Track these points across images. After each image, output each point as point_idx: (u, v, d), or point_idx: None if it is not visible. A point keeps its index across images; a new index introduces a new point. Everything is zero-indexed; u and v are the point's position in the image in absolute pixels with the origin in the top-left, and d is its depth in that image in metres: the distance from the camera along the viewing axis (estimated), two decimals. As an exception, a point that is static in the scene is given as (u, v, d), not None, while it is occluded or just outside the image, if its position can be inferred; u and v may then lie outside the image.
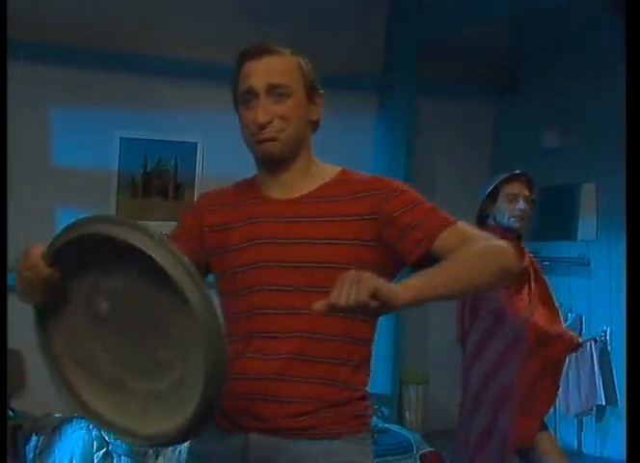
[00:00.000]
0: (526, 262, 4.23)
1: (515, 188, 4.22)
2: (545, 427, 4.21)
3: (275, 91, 2.05)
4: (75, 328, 1.88)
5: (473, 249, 1.96)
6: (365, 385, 2.18)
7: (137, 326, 1.81)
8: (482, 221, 4.31)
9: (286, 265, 2.03)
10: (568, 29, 7.04)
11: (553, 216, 6.67)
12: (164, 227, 2.28)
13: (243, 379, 2.01)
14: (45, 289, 1.82)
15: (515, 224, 4.22)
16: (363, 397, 2.15)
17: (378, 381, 6.89)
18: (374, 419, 5.92)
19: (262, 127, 2.04)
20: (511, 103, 7.57)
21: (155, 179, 6.23)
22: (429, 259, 1.99)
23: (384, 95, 7.18)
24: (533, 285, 4.23)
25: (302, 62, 2.13)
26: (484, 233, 2.11)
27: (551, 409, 4.26)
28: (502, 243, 2.01)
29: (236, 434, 2.04)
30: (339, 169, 2.20)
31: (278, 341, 2.00)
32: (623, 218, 6.56)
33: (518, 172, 4.30)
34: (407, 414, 7.06)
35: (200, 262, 2.09)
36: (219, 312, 1.72)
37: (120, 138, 6.10)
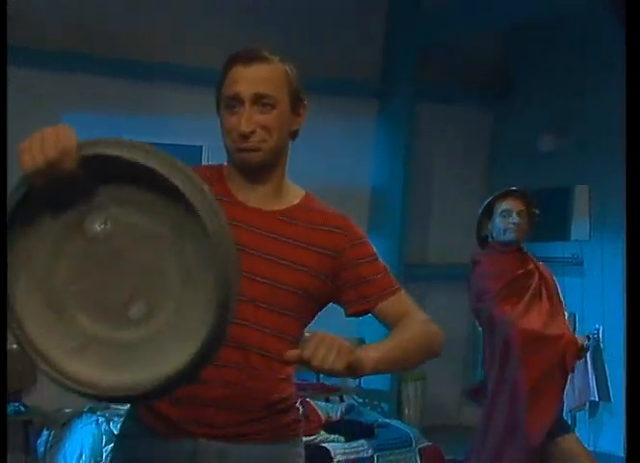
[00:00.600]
0: (530, 269, 4.27)
1: (507, 204, 4.26)
2: (568, 429, 4.22)
3: (261, 100, 1.97)
4: (43, 258, 1.64)
5: (417, 330, 2.05)
6: (295, 394, 2.18)
7: (122, 267, 1.63)
8: (482, 240, 4.35)
9: (250, 277, 1.94)
10: (563, 36, 7.05)
11: (547, 217, 6.65)
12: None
13: (194, 385, 1.87)
14: (50, 177, 1.58)
15: (510, 237, 4.24)
16: (294, 405, 2.16)
17: (377, 378, 6.88)
18: (374, 414, 5.92)
19: (245, 137, 1.97)
20: (507, 108, 7.57)
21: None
22: (363, 315, 2.12)
23: (383, 100, 7.18)
24: (536, 292, 4.25)
25: (289, 70, 2.04)
26: (418, 309, 2.14)
27: (559, 407, 4.25)
28: (435, 327, 2.09)
29: (183, 440, 1.98)
30: (304, 192, 2.15)
31: (229, 350, 1.88)
32: (615, 219, 6.61)
33: (510, 188, 4.33)
34: (405, 409, 7.05)
35: None
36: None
37: (129, 142, 6.11)
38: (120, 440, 2.21)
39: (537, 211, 4.36)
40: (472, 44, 7.29)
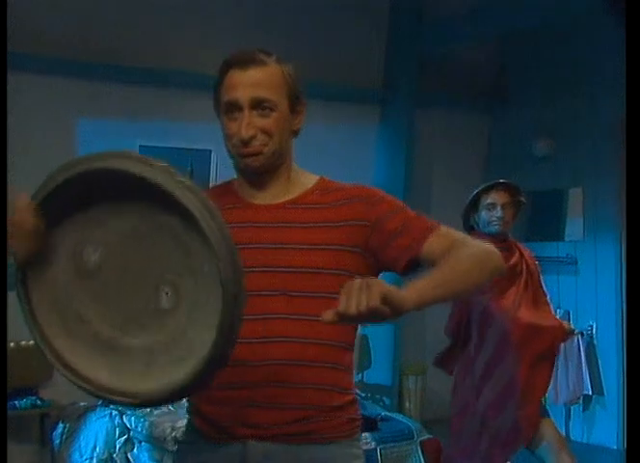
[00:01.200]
0: (516, 260, 4.23)
1: (492, 197, 4.20)
2: (545, 413, 4.20)
3: (259, 105, 1.89)
4: (59, 284, 1.66)
5: (464, 253, 1.86)
6: (353, 388, 2.04)
7: (130, 277, 1.63)
8: (469, 229, 4.32)
9: (272, 270, 1.89)
10: (557, 47, 7.06)
11: (543, 218, 6.68)
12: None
13: (233, 388, 1.87)
14: (30, 243, 1.63)
15: (494, 229, 4.19)
16: (354, 401, 2.01)
17: (380, 373, 6.91)
18: (377, 408, 5.92)
19: (246, 142, 1.89)
20: (503, 114, 7.58)
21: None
22: (416, 266, 1.93)
23: (385, 107, 7.19)
24: (522, 282, 4.22)
25: (286, 71, 1.95)
26: (467, 237, 1.99)
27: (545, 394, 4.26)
28: (488, 246, 1.91)
29: (232, 443, 1.89)
30: (318, 177, 2.06)
31: (267, 347, 1.84)
32: (607, 220, 6.62)
33: (495, 182, 4.29)
34: (406, 403, 7.06)
35: None
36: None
37: (140, 146, 6.11)
38: (178, 446, 2.18)
39: (523, 200, 4.30)
40: (470, 55, 7.31)
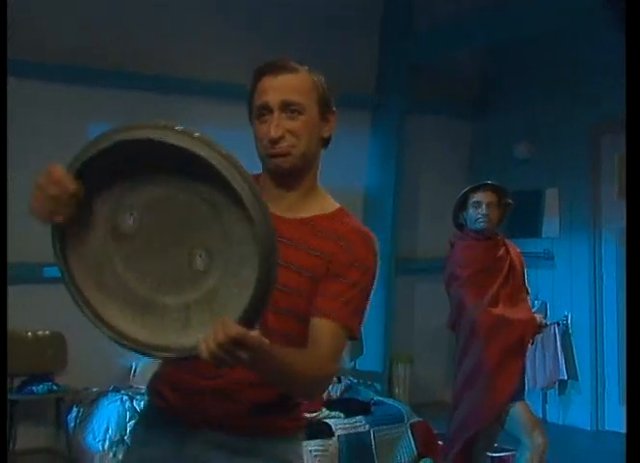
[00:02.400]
0: (500, 255, 4.23)
1: (478, 196, 4.20)
2: (521, 396, 4.19)
3: (288, 107, 1.85)
4: (96, 248, 1.63)
5: (312, 357, 1.76)
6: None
7: (164, 240, 1.60)
8: (459, 227, 4.33)
9: None
10: (536, 56, 7.07)
11: (522, 217, 6.68)
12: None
13: (201, 377, 1.82)
14: (70, 207, 1.58)
15: (480, 226, 4.19)
16: (299, 404, 1.97)
17: (371, 360, 6.92)
18: (370, 393, 5.93)
19: (275, 142, 1.84)
20: (486, 120, 7.59)
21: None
22: None
23: (377, 112, 7.19)
24: (502, 277, 4.20)
25: (317, 80, 1.94)
26: (331, 351, 1.82)
27: (516, 386, 4.14)
28: (329, 372, 1.82)
29: (185, 428, 1.87)
30: (339, 206, 1.98)
31: None
32: (582, 218, 6.64)
33: (483, 183, 4.29)
34: (396, 389, 7.07)
35: None
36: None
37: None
38: (135, 421, 2.16)
39: (510, 201, 4.29)
40: (455, 64, 7.32)
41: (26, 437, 5.56)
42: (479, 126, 7.65)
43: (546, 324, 4.37)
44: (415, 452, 5.22)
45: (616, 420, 6.36)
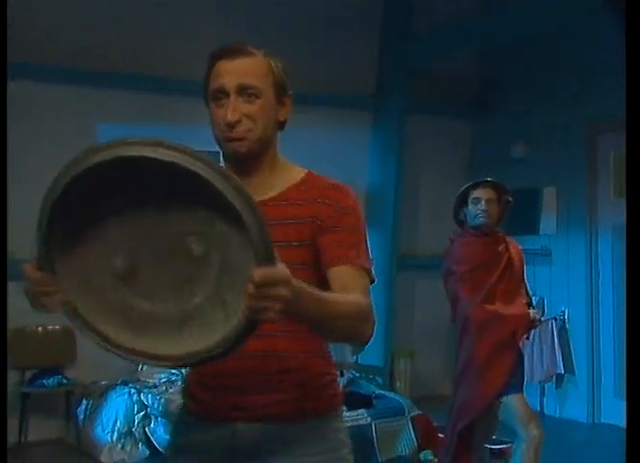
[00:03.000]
0: (499, 252, 4.19)
1: (478, 193, 4.17)
2: (518, 389, 4.15)
3: (245, 91, 1.80)
4: (89, 265, 1.55)
5: (355, 304, 1.70)
6: (333, 370, 1.97)
7: (159, 252, 1.52)
8: (460, 223, 4.31)
9: None
10: (533, 59, 7.07)
11: (520, 214, 6.68)
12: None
13: (226, 376, 1.81)
14: (53, 289, 1.53)
15: (479, 222, 4.16)
16: (334, 380, 1.96)
17: (373, 355, 6.91)
18: (371, 386, 5.92)
19: (231, 126, 1.79)
20: (485, 120, 7.58)
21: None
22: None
23: (378, 113, 7.19)
24: (499, 273, 4.16)
25: (273, 64, 1.86)
26: (362, 292, 1.77)
27: (506, 379, 4.08)
28: (370, 315, 1.74)
29: (223, 425, 1.83)
30: (306, 171, 1.94)
31: (259, 341, 1.66)
32: (578, 216, 6.64)
33: (482, 179, 4.25)
34: (397, 382, 7.08)
35: None
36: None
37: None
38: (172, 426, 2.09)
39: (510, 199, 4.26)
40: (455, 65, 7.31)
41: (37, 429, 5.57)
42: (478, 126, 7.64)
43: (541, 320, 4.32)
44: (416, 444, 5.22)
45: (611, 412, 6.37)
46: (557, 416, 6.74)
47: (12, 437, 5.49)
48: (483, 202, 4.14)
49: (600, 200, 6.60)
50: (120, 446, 5.28)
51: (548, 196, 6.92)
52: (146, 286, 1.54)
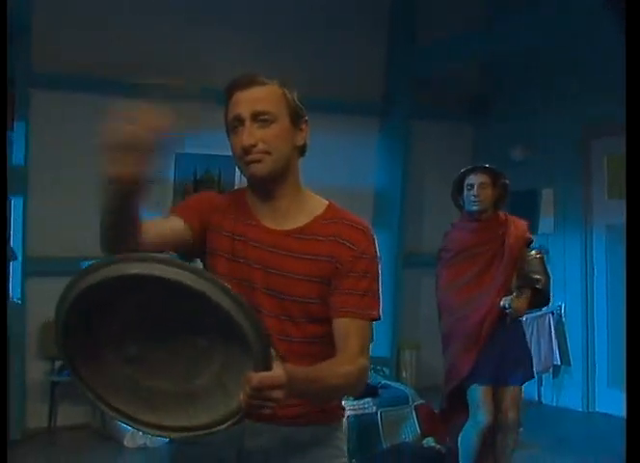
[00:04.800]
0: (484, 240, 4.06)
1: (471, 178, 4.07)
2: (487, 382, 4.04)
3: (259, 117, 1.77)
4: (105, 363, 1.54)
5: (347, 368, 1.70)
6: None
7: (168, 348, 1.51)
8: (459, 208, 4.20)
9: (269, 292, 1.79)
10: (532, 67, 7.05)
11: (519, 215, 6.60)
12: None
13: None
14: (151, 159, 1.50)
15: (473, 207, 4.05)
16: None
17: (380, 346, 6.90)
18: (377, 377, 5.91)
19: (247, 150, 1.77)
20: (486, 126, 7.56)
21: (203, 186, 6.23)
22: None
23: (384, 118, 7.18)
24: (483, 262, 4.04)
25: (286, 92, 1.83)
26: (358, 349, 1.76)
27: (470, 367, 4.01)
28: (364, 373, 1.78)
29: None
30: (327, 203, 1.90)
31: None
32: (575, 216, 6.62)
33: (475, 165, 4.16)
34: (403, 373, 7.07)
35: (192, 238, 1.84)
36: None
37: (175, 153, 6.12)
38: None
39: (507, 182, 4.14)
40: (457, 74, 7.30)
41: (66, 415, 5.60)
42: (479, 131, 7.62)
43: (506, 307, 3.95)
44: (419, 432, 5.20)
45: (605, 401, 6.36)
46: (554, 405, 6.72)
47: (42, 422, 5.54)
48: (476, 187, 4.04)
49: (595, 201, 6.59)
50: (141, 431, 5.29)
51: (546, 197, 6.90)
52: (155, 368, 1.52)
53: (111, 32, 5.90)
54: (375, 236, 1.88)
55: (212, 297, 1.40)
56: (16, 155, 5.51)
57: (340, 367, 1.70)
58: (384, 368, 6.57)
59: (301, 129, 1.86)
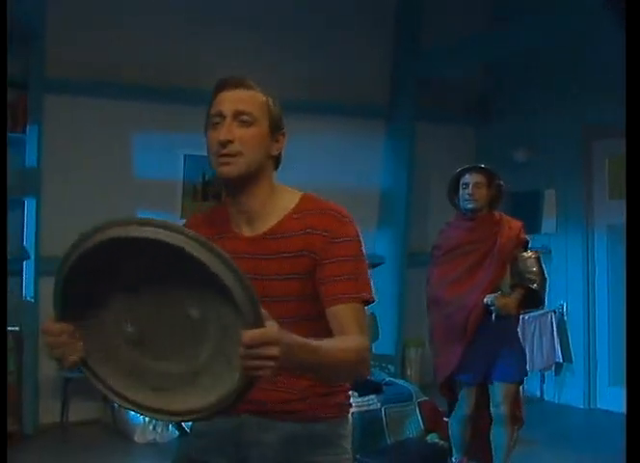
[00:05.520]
0: (475, 238, 4.08)
1: (466, 178, 4.07)
2: (510, 380, 4.06)
3: (240, 116, 1.77)
4: (108, 346, 1.54)
5: (350, 346, 1.66)
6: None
7: (165, 326, 1.49)
8: (456, 206, 4.19)
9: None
10: (533, 70, 7.03)
11: (523, 215, 6.60)
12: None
13: None
14: (72, 344, 1.52)
15: (468, 206, 4.06)
16: (344, 390, 1.93)
17: (386, 345, 6.91)
18: (382, 374, 5.91)
19: (223, 145, 1.75)
20: (489, 128, 7.54)
21: (211, 187, 6.25)
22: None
23: (390, 121, 7.17)
24: (472, 260, 4.05)
25: (270, 100, 1.83)
26: (359, 332, 1.72)
27: (455, 365, 4.05)
28: (366, 351, 1.71)
29: (230, 416, 1.75)
30: (300, 195, 1.86)
31: None
32: (576, 216, 6.60)
33: (471, 165, 4.16)
34: (408, 370, 7.06)
35: None
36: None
37: (185, 155, 6.13)
38: None
39: (501, 182, 4.11)
40: (461, 77, 7.29)
41: (78, 410, 5.61)
42: (482, 133, 7.60)
43: (489, 304, 3.94)
44: (423, 428, 5.20)
45: (606, 398, 6.34)
46: (556, 401, 6.70)
47: (55, 418, 5.54)
48: (470, 186, 4.04)
49: (596, 201, 6.57)
50: (151, 427, 5.31)
51: (549, 198, 6.88)
52: (156, 349, 1.50)
53: (123, 37, 5.91)
54: (352, 220, 1.82)
55: (196, 255, 1.37)
56: (29, 158, 5.52)
57: (340, 342, 1.66)
58: (389, 366, 6.57)
59: (277, 140, 1.84)
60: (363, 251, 1.82)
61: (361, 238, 1.82)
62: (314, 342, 1.53)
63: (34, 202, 5.52)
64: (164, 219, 1.42)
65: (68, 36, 5.67)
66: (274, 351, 1.36)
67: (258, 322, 1.38)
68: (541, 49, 6.55)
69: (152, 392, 1.52)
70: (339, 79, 6.73)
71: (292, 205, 1.83)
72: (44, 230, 5.58)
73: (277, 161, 1.87)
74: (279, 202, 1.84)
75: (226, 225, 1.87)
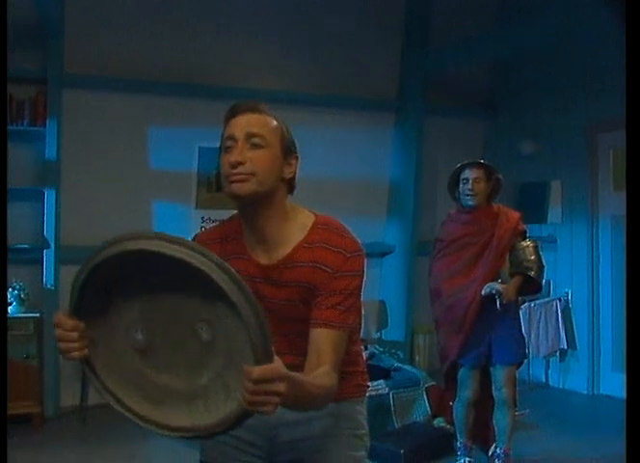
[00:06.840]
0: (472, 231, 4.07)
1: (465, 173, 4.07)
2: (510, 363, 4.09)
3: (252, 139, 1.74)
4: (117, 351, 1.53)
5: (323, 382, 1.65)
6: (361, 365, 1.99)
7: (174, 341, 1.48)
8: (455, 201, 4.20)
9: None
10: (538, 66, 7.00)
11: (529, 205, 6.62)
12: (231, 213, 1.96)
13: None
14: (79, 341, 1.51)
15: (468, 202, 4.07)
16: (361, 373, 1.97)
17: (395, 331, 6.92)
18: (391, 360, 5.92)
19: (234, 167, 1.72)
20: (496, 121, 7.52)
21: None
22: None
23: (399, 115, 7.15)
24: (470, 253, 4.06)
25: (281, 125, 1.81)
26: (334, 359, 1.72)
27: (457, 351, 4.09)
28: (332, 384, 1.69)
29: None
30: (313, 220, 1.83)
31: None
32: (581, 207, 6.58)
33: (470, 161, 4.15)
34: (416, 357, 7.06)
35: None
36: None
37: (199, 147, 6.13)
38: None
39: (500, 177, 4.12)
40: (468, 72, 7.26)
41: (95, 394, 5.63)
42: (489, 126, 7.57)
43: (487, 294, 3.97)
44: (430, 412, 5.21)
45: (609, 384, 6.32)
46: (560, 387, 6.70)
47: (75, 400, 5.58)
48: (470, 181, 4.04)
49: (601, 192, 6.54)
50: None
51: (555, 189, 6.85)
52: (160, 361, 1.49)
53: (139, 34, 5.92)
54: (361, 253, 1.80)
55: (216, 280, 1.36)
56: (49, 151, 5.55)
57: (318, 378, 1.66)
58: (398, 352, 6.57)
59: (290, 164, 1.81)
60: (362, 285, 1.81)
61: (364, 272, 1.81)
62: (300, 377, 1.54)
63: (53, 193, 5.55)
64: (191, 241, 1.41)
65: (86, 33, 5.69)
66: (280, 387, 1.35)
67: (268, 358, 1.36)
68: (546, 45, 6.51)
69: (148, 403, 1.50)
70: (351, 74, 6.73)
71: (304, 234, 1.81)
72: (64, 220, 5.61)
73: (290, 185, 1.84)
74: (293, 226, 1.82)
75: (241, 245, 1.86)
